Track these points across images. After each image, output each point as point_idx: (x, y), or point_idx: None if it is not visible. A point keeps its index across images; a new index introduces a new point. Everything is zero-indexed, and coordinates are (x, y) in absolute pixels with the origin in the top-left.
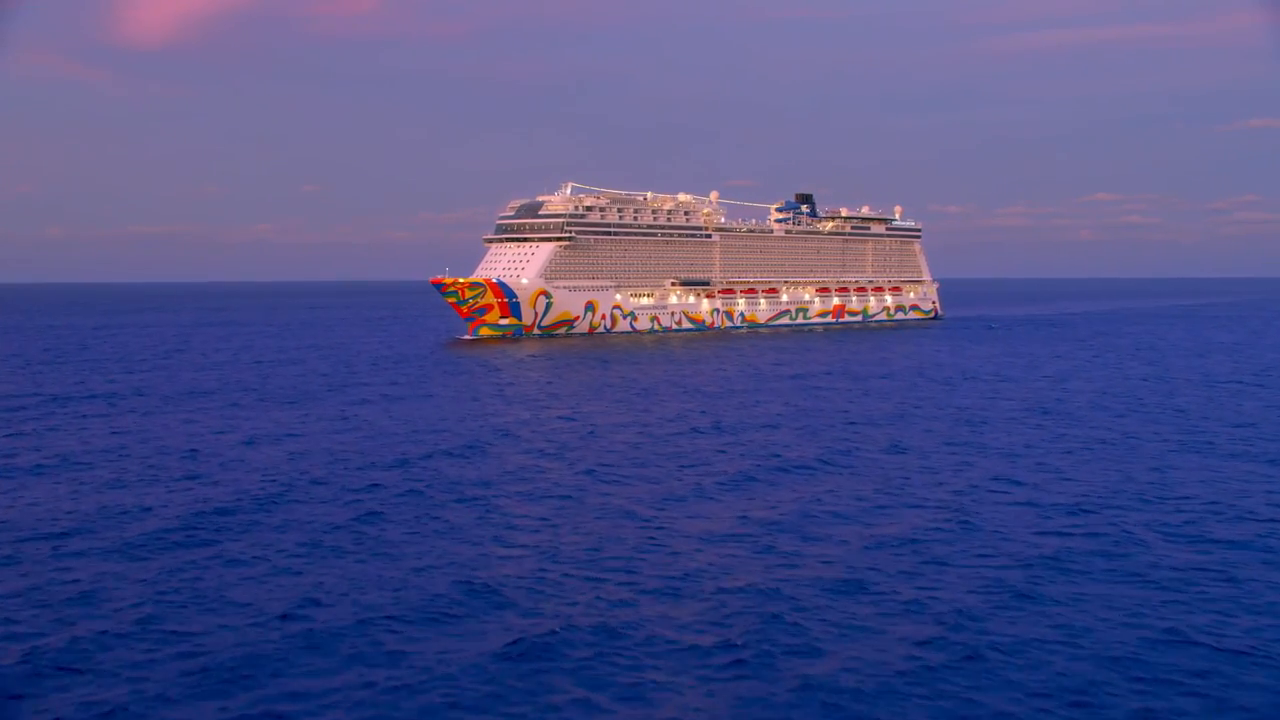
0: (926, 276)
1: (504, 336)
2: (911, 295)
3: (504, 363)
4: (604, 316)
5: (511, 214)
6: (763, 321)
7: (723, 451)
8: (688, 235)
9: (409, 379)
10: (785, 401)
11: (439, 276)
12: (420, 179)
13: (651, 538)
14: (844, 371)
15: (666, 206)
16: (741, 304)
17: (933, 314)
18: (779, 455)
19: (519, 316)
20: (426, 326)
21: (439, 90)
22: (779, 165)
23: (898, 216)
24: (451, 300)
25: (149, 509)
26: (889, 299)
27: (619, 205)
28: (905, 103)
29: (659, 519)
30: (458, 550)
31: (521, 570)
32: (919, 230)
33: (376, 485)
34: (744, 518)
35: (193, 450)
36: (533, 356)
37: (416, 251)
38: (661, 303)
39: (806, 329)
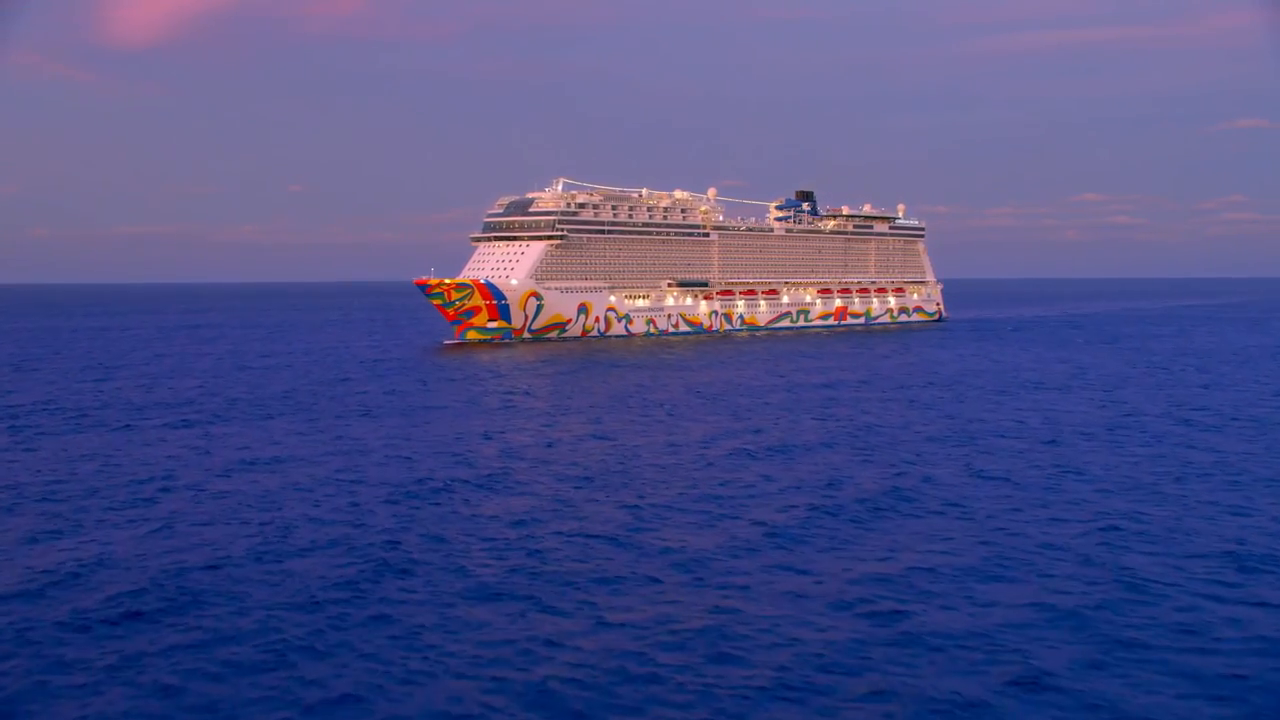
0: (930, 277)
1: (492, 340)
2: (915, 297)
3: (502, 370)
4: (597, 319)
5: (500, 211)
6: (762, 324)
7: (783, 480)
8: (685, 234)
9: (404, 389)
10: (828, 414)
11: (423, 277)
12: (408, 179)
13: (738, 610)
14: (879, 379)
15: (662, 204)
16: (741, 306)
17: (937, 316)
18: (851, 485)
19: (508, 319)
20: (418, 330)
21: (426, 90)
22: (769, 165)
23: (900, 215)
24: (437, 302)
25: (104, 563)
26: (892, 300)
27: (613, 202)
28: (894, 103)
29: (740, 579)
30: (498, 626)
31: (587, 658)
32: (923, 229)
33: (387, 529)
34: (844, 577)
35: (165, 480)
36: (530, 362)
37: (404, 252)
38: (658, 305)
39: (808, 332)
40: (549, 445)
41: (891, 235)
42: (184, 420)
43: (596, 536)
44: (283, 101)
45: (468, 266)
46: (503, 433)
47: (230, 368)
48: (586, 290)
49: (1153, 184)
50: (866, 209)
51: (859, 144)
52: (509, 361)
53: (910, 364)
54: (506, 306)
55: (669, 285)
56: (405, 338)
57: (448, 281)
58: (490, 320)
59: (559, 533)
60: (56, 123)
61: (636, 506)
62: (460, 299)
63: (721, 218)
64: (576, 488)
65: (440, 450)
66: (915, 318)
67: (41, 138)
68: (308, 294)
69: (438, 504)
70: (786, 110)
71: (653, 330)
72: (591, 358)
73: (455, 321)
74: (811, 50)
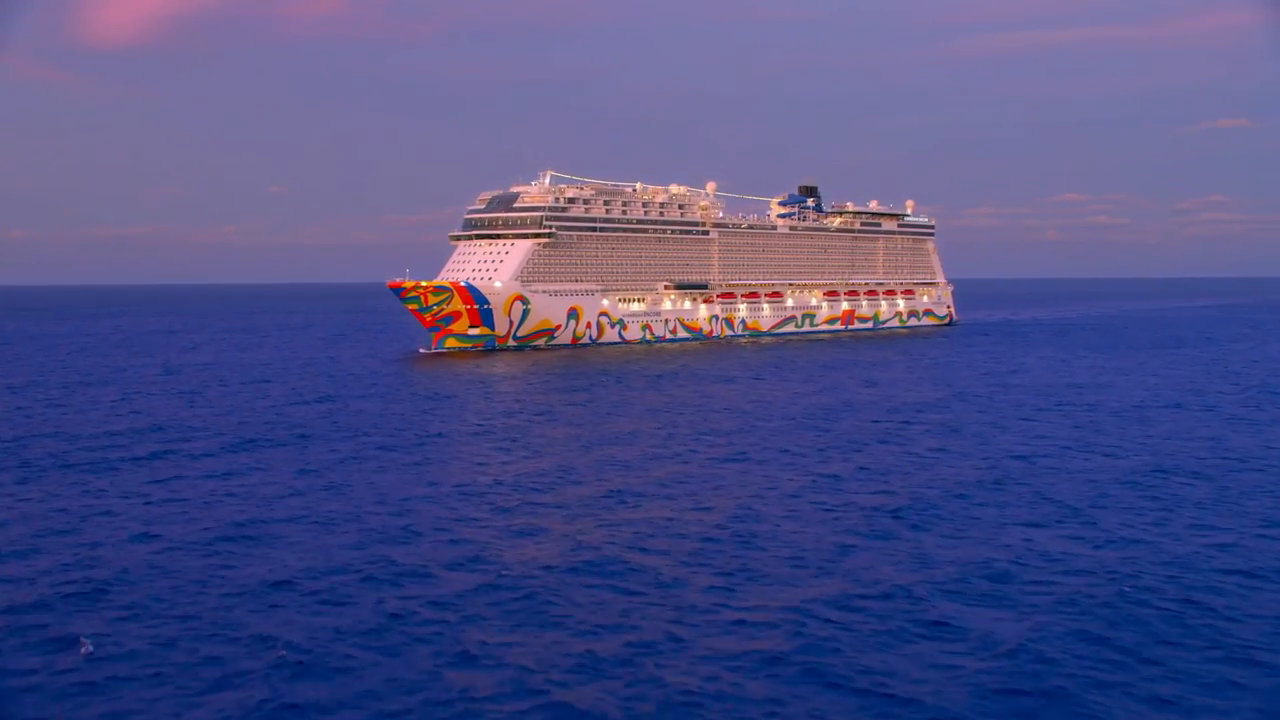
0: (940, 278)
1: (474, 349)
2: (925, 299)
3: (501, 385)
4: (589, 325)
5: (482, 207)
6: (765, 329)
7: (955, 553)
8: (683, 231)
9: (400, 411)
10: (926, 447)
11: (397, 280)
12: (390, 180)
13: None
14: (953, 400)
15: (659, 199)
16: (743, 310)
17: (947, 319)
18: (1061, 570)
19: (491, 326)
20: (397, 334)
21: (407, 91)
22: (750, 163)
23: (909, 211)
24: (413, 307)
25: None
26: (901, 303)
27: (605, 197)
28: (876, 103)
29: None
30: None
31: None
32: (932, 227)
33: (444, 659)
34: None
35: (107, 560)
36: (529, 375)
37: (386, 253)
38: (654, 309)
39: (814, 338)
40: (612, 498)
41: (900, 233)
42: (141, 456)
43: (769, 668)
44: (263, 102)
45: (446, 267)
46: (544, 477)
47: (208, 380)
48: (577, 293)
49: (1133, 184)
50: (873, 205)
51: (839, 144)
52: (503, 374)
53: (975, 377)
54: (489, 311)
55: (666, 287)
56: (381, 345)
57: (424, 284)
58: (471, 327)
59: (703, 658)
60: (35, 123)
61: (793, 609)
62: (438, 304)
63: (721, 214)
64: (687, 566)
65: (479, 507)
66: (925, 321)
67: (20, 139)
68: (288, 296)
69: (503, 605)
70: (766, 109)
71: (649, 337)
72: (594, 369)
73: (433, 328)
74: (795, 50)
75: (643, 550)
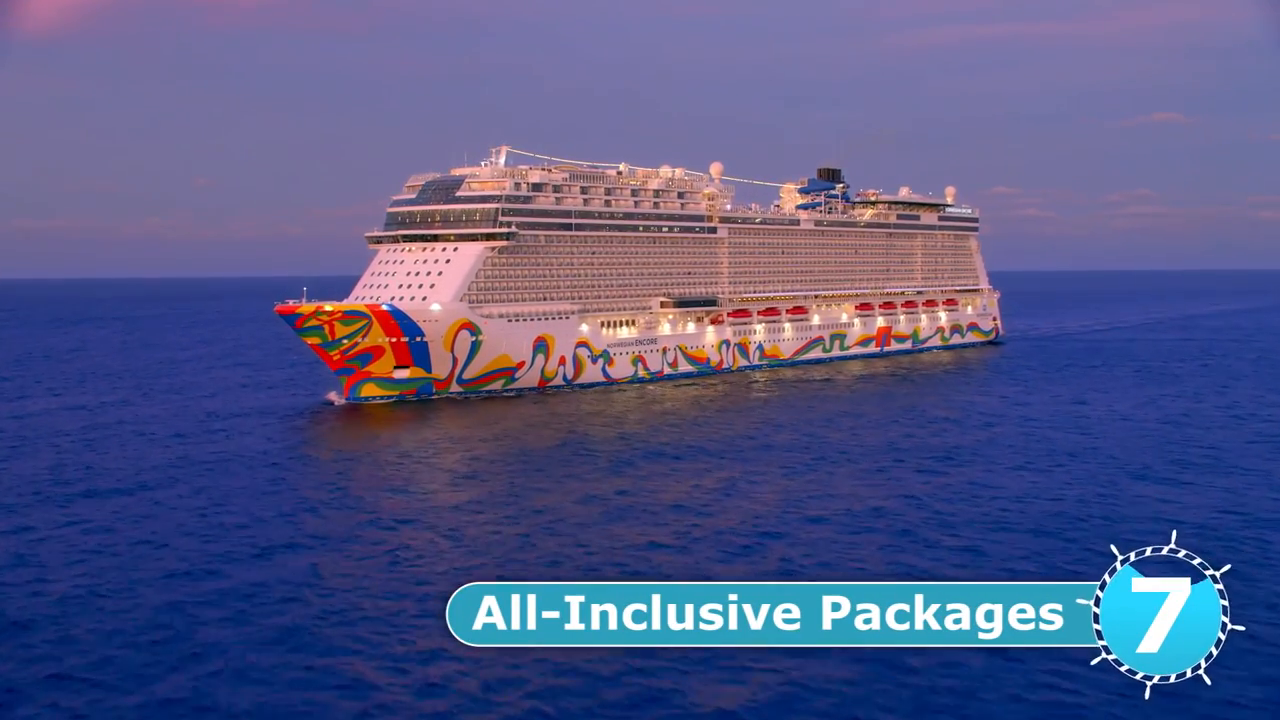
0: (984, 283)
1: (403, 398)
2: (969, 310)
3: (487, 464)
4: (563, 360)
5: (413, 197)
6: (787, 356)
7: None
8: (683, 229)
9: (331, 557)
10: None
11: (290, 303)
12: (317, 174)
13: None
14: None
15: (651, 184)
16: (759, 332)
17: (993, 335)
18: None
19: (427, 366)
20: (310, 368)
21: (336, 85)
22: (698, 159)
23: (950, 201)
24: (313, 341)
25: None
26: (943, 316)
27: (582, 183)
28: (807, 98)
29: None
30: None
31: None
32: (976, 221)
33: None
34: None
35: None
36: (516, 446)
37: (311, 246)
38: (648, 334)
39: (845, 366)
40: None
41: (941, 229)
42: None
43: None
44: (187, 93)
45: (363, 282)
46: None
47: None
48: (546, 316)
49: (1065, 178)
50: (904, 193)
51: (770, 139)
52: (472, 446)
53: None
54: (424, 345)
55: (663, 304)
56: (279, 385)
57: (329, 308)
58: (398, 367)
59: None
60: None
61: None
62: (350, 335)
63: (729, 206)
64: None
65: None
66: (970, 338)
67: None
68: (211, 295)
69: None
70: (698, 107)
71: (642, 373)
72: (616, 433)
73: (343, 370)
74: (723, 47)
75: None
